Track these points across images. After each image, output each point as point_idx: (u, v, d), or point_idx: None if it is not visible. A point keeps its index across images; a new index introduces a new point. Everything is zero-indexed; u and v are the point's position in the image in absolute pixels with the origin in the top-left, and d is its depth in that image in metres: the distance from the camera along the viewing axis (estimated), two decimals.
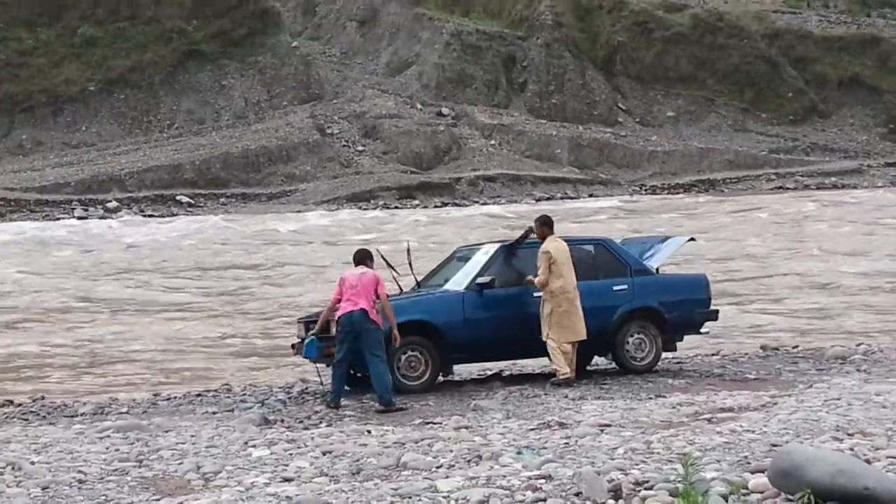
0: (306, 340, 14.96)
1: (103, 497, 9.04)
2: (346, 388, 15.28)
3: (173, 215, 58.08)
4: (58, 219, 56.71)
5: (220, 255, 40.26)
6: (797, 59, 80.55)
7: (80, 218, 57.28)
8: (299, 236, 46.33)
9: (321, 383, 15.89)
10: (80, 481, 9.69)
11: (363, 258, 14.90)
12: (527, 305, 15.40)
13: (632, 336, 15.92)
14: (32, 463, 10.45)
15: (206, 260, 38.66)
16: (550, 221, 15.70)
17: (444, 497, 8.23)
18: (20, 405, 15.58)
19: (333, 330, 14.55)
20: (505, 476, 8.75)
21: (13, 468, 10.17)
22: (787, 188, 67.93)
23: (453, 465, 9.50)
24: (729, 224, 46.96)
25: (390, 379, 14.18)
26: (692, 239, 18.44)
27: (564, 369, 14.96)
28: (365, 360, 14.19)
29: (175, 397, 15.71)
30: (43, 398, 16.31)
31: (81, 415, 14.40)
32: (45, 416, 14.41)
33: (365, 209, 58.71)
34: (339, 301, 14.45)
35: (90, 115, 70.61)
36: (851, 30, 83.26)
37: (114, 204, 60.45)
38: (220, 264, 37.52)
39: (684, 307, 16.28)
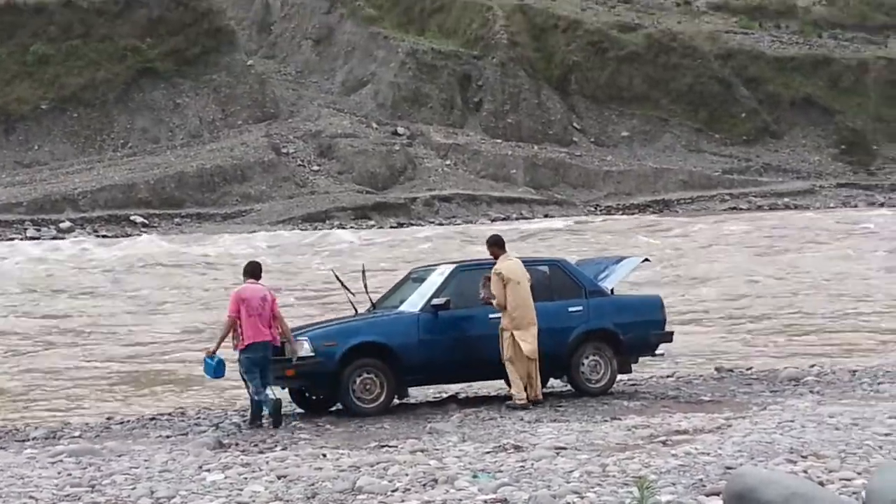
0: (214, 360, 14.72)
1: None
2: (300, 410, 15.26)
3: (127, 235, 57.69)
4: (10, 239, 56.24)
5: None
6: (750, 80, 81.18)
7: (31, 238, 56.85)
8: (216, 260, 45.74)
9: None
10: None
11: (256, 271, 14.93)
12: (483, 326, 15.37)
13: (587, 358, 15.92)
14: None
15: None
16: (501, 241, 15.69)
17: None
18: None
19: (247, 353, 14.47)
20: (460, 500, 8.74)
21: None
22: (741, 209, 68.39)
23: (409, 489, 9.47)
24: (683, 245, 47.19)
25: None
26: (646, 260, 18.50)
27: (521, 394, 14.95)
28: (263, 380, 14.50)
29: (128, 421, 15.59)
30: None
31: (33, 439, 14.26)
32: None
33: (320, 229, 58.58)
34: (237, 318, 14.36)
35: (43, 133, 70.11)
36: (804, 50, 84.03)
37: (67, 224, 60.02)
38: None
39: (640, 329, 16.32)
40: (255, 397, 14.56)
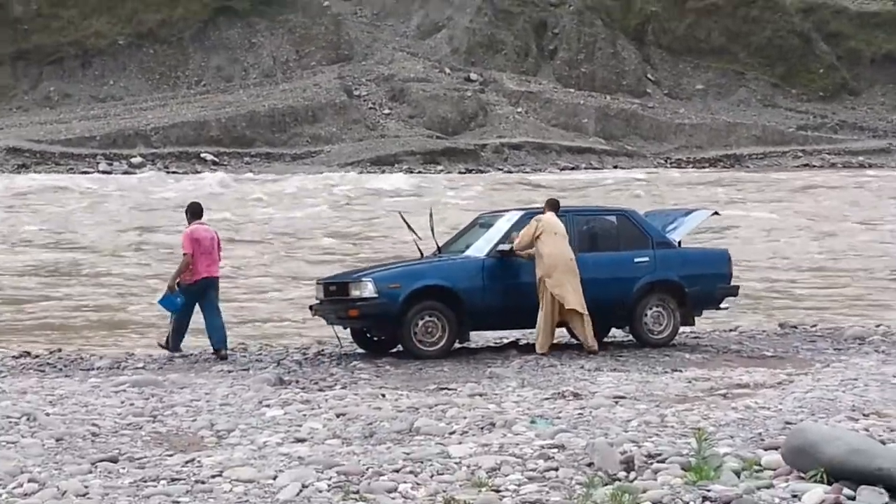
0: (178, 297, 15.30)
1: (116, 451, 9.07)
2: (360, 350, 15.37)
3: (197, 173, 58.08)
4: (83, 172, 56.86)
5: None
6: (830, 35, 79.95)
7: (104, 172, 57.42)
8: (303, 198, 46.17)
9: (339, 345, 15.91)
10: (94, 434, 9.73)
11: (199, 211, 15.73)
12: None
13: (650, 309, 15.82)
14: (47, 414, 10.50)
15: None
16: (557, 204, 15.68)
17: (455, 463, 8.22)
18: (37, 356, 15.63)
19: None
20: (518, 444, 8.74)
21: (28, 419, 10.22)
22: (814, 166, 67.55)
23: (466, 432, 9.49)
24: (755, 200, 46.73)
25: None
26: (716, 213, 18.33)
27: (542, 345, 14.97)
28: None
29: (191, 354, 15.73)
30: (60, 350, 16.37)
31: (97, 368, 14.43)
32: (61, 369, 14.46)
33: (389, 173, 58.61)
34: (192, 255, 15.16)
35: (118, 69, 70.70)
36: (887, 6, 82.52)
37: (138, 160, 60.56)
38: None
39: (705, 282, 16.18)
40: (174, 333, 15.47)
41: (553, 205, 15.71)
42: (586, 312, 14.99)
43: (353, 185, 50.69)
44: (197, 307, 15.45)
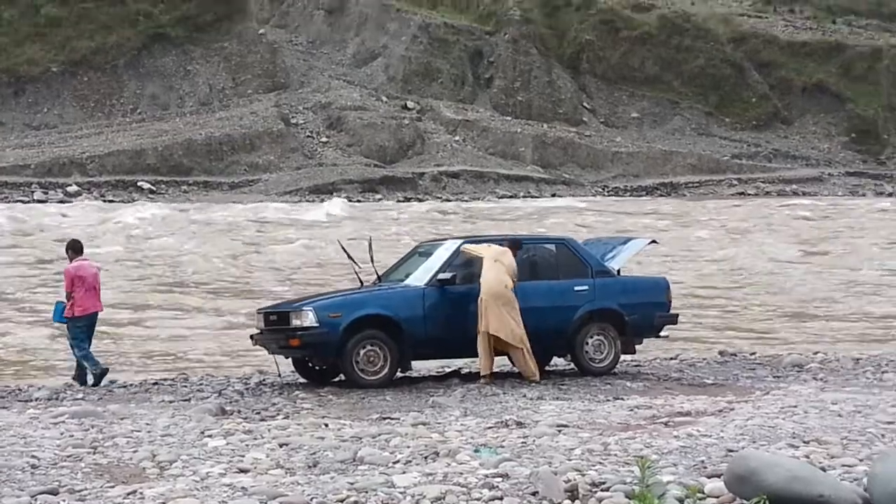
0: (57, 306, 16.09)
1: (56, 483, 8.96)
2: (302, 380, 15.32)
3: (134, 201, 57.70)
4: (17, 201, 56.30)
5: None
6: (762, 64, 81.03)
7: (39, 201, 56.89)
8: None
9: (279, 374, 15.85)
10: (34, 466, 9.61)
11: (80, 248, 16.32)
12: None
13: (591, 337, 15.90)
14: None
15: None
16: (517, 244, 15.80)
17: (400, 493, 8.21)
18: None
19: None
20: (462, 473, 8.74)
21: None
22: (749, 194, 68.30)
23: (410, 461, 9.48)
24: (689, 228, 47.18)
25: None
26: (654, 241, 18.46)
27: (483, 369, 15.11)
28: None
29: (131, 385, 15.60)
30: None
31: (36, 399, 14.27)
32: None
33: (327, 201, 58.53)
34: (72, 293, 15.75)
35: (52, 96, 70.09)
36: (817, 36, 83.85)
37: (74, 188, 60.07)
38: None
39: (645, 310, 16.29)
40: (84, 361, 15.88)
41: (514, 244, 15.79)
42: (519, 344, 15.06)
43: (284, 215, 50.61)
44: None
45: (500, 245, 15.67)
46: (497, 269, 15.12)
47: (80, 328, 15.90)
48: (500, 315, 14.98)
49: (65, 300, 15.95)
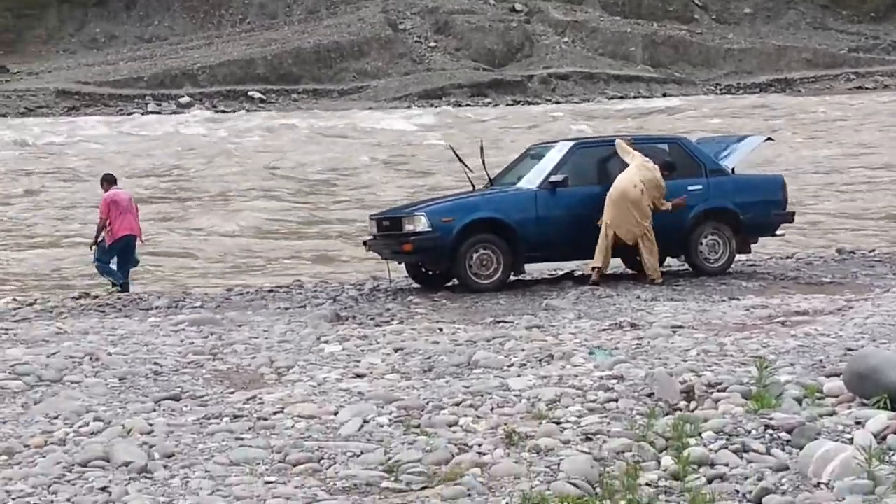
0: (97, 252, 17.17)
1: (178, 389, 9.15)
2: (416, 285, 15.42)
3: (245, 111, 58.19)
4: (130, 113, 57.10)
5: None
6: None
7: (152, 112, 57.65)
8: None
9: (391, 280, 15.95)
10: (156, 373, 9.81)
11: (114, 179, 17.75)
12: (601, 204, 15.23)
13: (706, 237, 15.72)
14: (109, 354, 10.59)
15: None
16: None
17: (515, 395, 8.24)
18: (96, 297, 15.80)
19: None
20: (577, 376, 8.74)
21: (91, 359, 10.32)
22: (866, 88, 66.64)
23: (525, 365, 9.49)
24: (806, 125, 46.26)
25: None
26: (769, 139, 18.14)
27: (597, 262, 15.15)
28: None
29: (247, 292, 15.81)
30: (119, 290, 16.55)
31: (156, 308, 14.54)
32: (120, 309, 14.58)
33: (436, 106, 58.44)
34: (108, 219, 16.88)
35: (163, 8, 70.71)
36: None
37: (186, 99, 60.69)
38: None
39: (760, 208, 16.04)
40: (103, 274, 17.22)
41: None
42: (632, 242, 15.01)
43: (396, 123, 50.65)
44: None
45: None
46: (636, 173, 15.00)
47: (113, 249, 17.01)
48: (621, 211, 14.90)
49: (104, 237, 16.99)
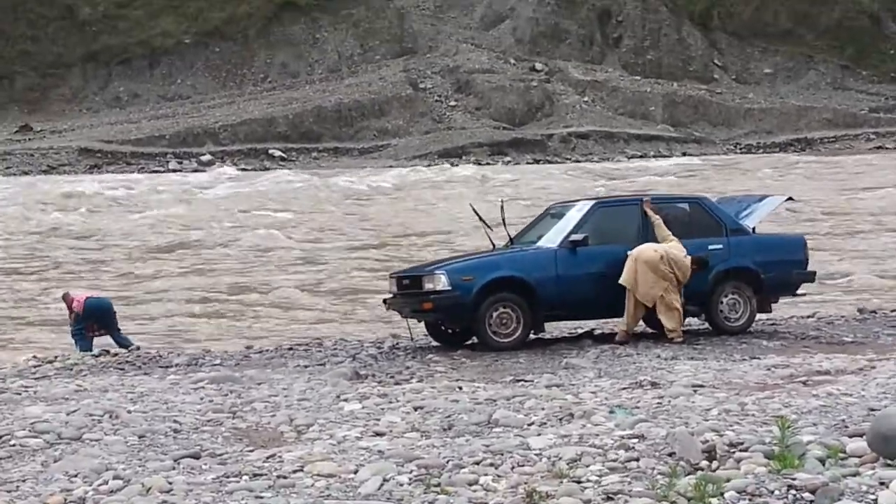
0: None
1: (198, 447, 9.13)
2: (435, 343, 15.40)
3: (266, 169, 58.46)
4: (153, 171, 57.41)
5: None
6: None
7: (174, 171, 57.96)
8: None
9: (412, 338, 15.93)
10: (176, 431, 9.80)
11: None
12: (620, 264, 15.23)
13: (726, 296, 15.67)
14: (129, 412, 10.59)
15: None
16: None
17: (536, 454, 8.19)
18: (116, 355, 15.81)
19: None
20: (597, 435, 8.69)
21: (111, 416, 10.31)
22: (887, 148, 66.60)
23: (545, 423, 9.45)
24: (826, 184, 46.23)
25: None
26: (790, 199, 18.12)
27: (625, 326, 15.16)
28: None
29: (266, 350, 15.82)
30: (138, 348, 16.57)
31: (176, 365, 14.55)
32: (140, 367, 14.59)
33: (456, 165, 58.62)
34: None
35: (185, 67, 71.31)
36: None
37: (207, 157, 61.06)
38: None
39: (781, 268, 16.00)
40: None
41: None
42: (649, 303, 14.99)
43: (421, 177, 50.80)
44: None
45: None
46: (664, 245, 15.04)
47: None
48: (639, 272, 14.88)
49: None
